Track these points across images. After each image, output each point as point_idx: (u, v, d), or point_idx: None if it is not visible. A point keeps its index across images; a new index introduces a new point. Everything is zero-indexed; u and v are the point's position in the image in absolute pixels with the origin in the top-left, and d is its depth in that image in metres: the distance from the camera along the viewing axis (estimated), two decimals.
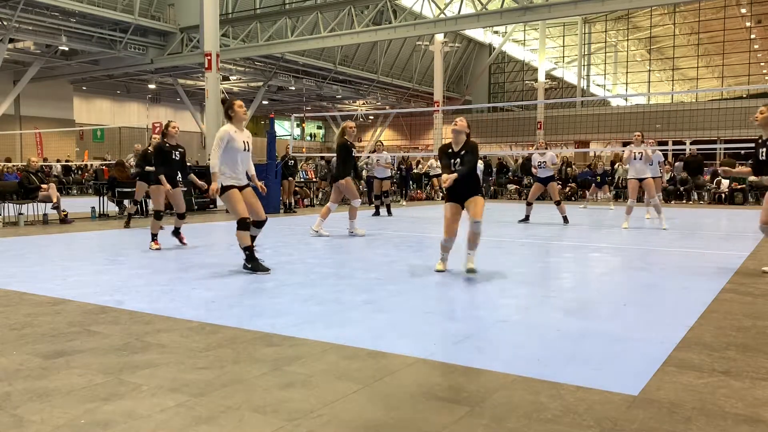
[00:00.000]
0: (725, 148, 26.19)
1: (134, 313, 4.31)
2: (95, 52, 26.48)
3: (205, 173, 15.12)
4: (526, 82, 41.49)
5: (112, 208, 13.29)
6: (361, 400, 2.72)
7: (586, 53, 41.95)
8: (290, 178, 15.40)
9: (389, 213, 13.62)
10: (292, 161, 16.05)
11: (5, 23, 22.20)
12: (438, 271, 5.94)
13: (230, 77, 32.32)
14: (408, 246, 8.20)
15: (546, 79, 38.46)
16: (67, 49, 26.05)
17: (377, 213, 13.74)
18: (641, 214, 12.35)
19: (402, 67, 37.96)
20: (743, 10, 35.38)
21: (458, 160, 5.83)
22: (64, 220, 11.54)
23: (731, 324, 4.02)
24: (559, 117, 37.05)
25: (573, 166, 22.72)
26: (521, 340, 3.70)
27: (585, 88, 42.62)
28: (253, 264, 5.91)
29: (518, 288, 5.25)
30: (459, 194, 5.90)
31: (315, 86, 35.05)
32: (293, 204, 15.57)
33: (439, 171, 23.20)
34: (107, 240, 8.94)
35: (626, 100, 43.74)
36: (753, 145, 6.40)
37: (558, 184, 13.10)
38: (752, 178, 16.34)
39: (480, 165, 14.56)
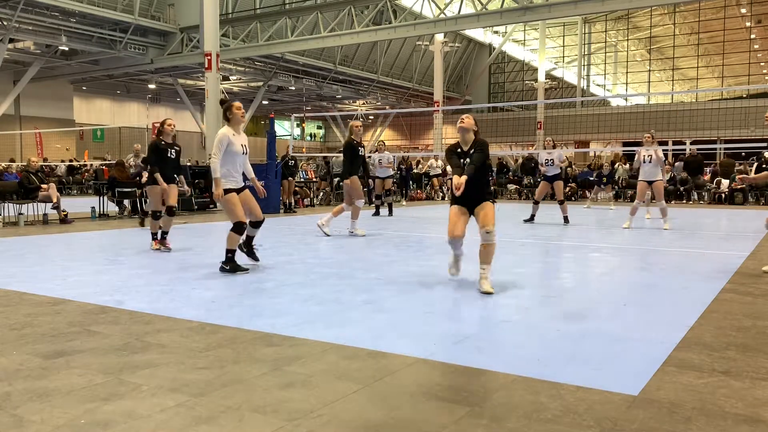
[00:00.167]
0: (725, 148, 26.18)
1: (134, 313, 4.31)
2: (95, 52, 26.48)
3: (204, 173, 15.22)
4: (526, 82, 41.50)
5: (112, 208, 13.29)
6: (361, 400, 2.72)
7: (586, 53, 41.97)
8: (290, 178, 15.41)
9: (390, 212, 13.63)
10: (292, 161, 16.06)
11: (5, 23, 22.20)
12: (452, 275, 5.49)
13: (230, 77, 32.32)
14: (408, 246, 8.20)
15: (546, 79, 38.46)
16: (67, 49, 26.05)
17: (377, 213, 13.75)
18: (641, 214, 12.35)
19: (402, 67, 37.97)
20: (743, 10, 35.39)
21: (468, 160, 5.11)
22: (64, 220, 11.54)
23: (731, 324, 4.02)
24: (559, 117, 37.06)
25: (573, 166, 22.72)
26: (521, 340, 3.70)
27: (585, 88, 42.64)
28: (231, 266, 5.96)
29: (518, 288, 5.24)
30: (467, 198, 5.12)
31: (315, 86, 35.04)
32: (293, 204, 15.57)
33: (439, 171, 23.23)
34: (107, 240, 8.94)
35: (626, 100, 43.76)
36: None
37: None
38: None
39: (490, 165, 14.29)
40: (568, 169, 21.85)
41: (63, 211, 11.64)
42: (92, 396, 2.74)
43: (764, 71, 39.49)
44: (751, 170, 16.01)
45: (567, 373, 3.07)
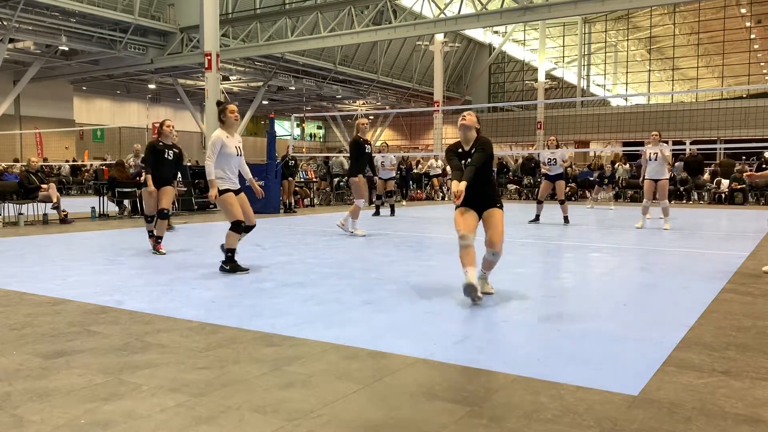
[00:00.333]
0: (725, 148, 26.20)
1: (134, 313, 4.31)
2: (95, 52, 26.47)
3: (204, 173, 15.19)
4: (526, 82, 41.49)
5: (112, 208, 13.29)
6: (361, 400, 2.72)
7: (586, 53, 41.95)
8: (290, 178, 15.41)
9: (392, 213, 13.68)
10: (293, 161, 16.06)
11: (5, 23, 22.19)
12: (468, 284, 4.51)
13: (230, 77, 32.31)
14: (408, 246, 8.20)
15: (546, 79, 38.45)
16: (67, 49, 26.03)
17: (378, 213, 13.77)
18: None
19: (402, 67, 37.96)
20: (743, 10, 35.38)
21: (469, 160, 4.72)
22: (64, 220, 11.54)
23: (731, 324, 4.02)
24: (559, 117, 37.05)
25: (573, 166, 22.72)
26: (521, 340, 3.70)
27: (585, 88, 42.62)
28: (231, 265, 5.97)
29: (518, 288, 5.24)
30: (472, 202, 4.73)
31: (315, 86, 35.03)
32: (293, 204, 15.57)
33: (439, 171, 23.19)
34: (107, 240, 8.94)
35: (626, 100, 43.75)
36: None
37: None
38: None
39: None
40: (569, 169, 21.87)
41: (63, 211, 11.64)
42: (92, 396, 2.74)
43: (764, 71, 39.48)
44: (751, 170, 16.02)
45: (567, 373, 3.07)
